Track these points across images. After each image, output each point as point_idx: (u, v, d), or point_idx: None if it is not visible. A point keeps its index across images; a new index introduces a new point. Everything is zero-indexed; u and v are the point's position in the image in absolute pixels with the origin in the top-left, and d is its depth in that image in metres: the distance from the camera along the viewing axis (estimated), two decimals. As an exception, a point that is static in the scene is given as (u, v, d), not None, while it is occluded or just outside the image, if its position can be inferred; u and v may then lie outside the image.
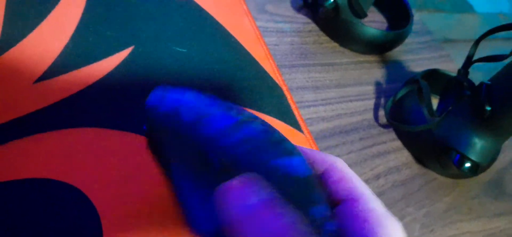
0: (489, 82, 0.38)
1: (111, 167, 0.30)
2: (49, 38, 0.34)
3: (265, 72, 0.41)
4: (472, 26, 0.80)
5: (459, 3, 0.92)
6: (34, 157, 0.28)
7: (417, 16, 0.62)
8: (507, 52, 0.37)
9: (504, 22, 0.35)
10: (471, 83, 0.40)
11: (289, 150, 0.19)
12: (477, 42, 0.40)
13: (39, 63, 0.33)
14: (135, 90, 0.34)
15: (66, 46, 0.34)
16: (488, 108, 0.37)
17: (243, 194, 0.16)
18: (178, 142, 0.21)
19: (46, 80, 0.32)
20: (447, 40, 0.62)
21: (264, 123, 0.21)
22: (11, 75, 0.31)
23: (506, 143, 0.50)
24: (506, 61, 0.38)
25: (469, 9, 0.96)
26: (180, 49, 0.38)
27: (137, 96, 0.34)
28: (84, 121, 0.31)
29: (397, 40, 0.50)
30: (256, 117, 0.21)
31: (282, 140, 0.20)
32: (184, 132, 0.21)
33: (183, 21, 0.41)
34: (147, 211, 0.29)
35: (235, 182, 0.17)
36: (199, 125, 0.20)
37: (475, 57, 0.40)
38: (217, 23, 0.42)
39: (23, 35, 0.34)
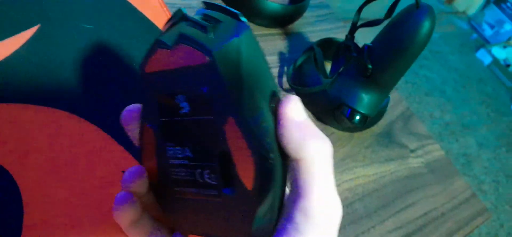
0: (370, 44, 0.43)
1: (28, 139, 0.31)
2: None
3: (174, 46, 0.43)
4: (381, 6, 0.87)
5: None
6: None
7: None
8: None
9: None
10: (356, 46, 0.45)
11: None
12: (359, 10, 0.46)
13: None
14: (44, 66, 0.35)
15: (-33, 27, 0.34)
16: (370, 66, 0.42)
17: None
18: None
19: None
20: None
21: None
22: None
23: (396, 99, 0.57)
24: (383, 25, 0.43)
25: None
26: (88, 26, 0.40)
27: (48, 71, 0.35)
28: (-8, 98, 0.32)
29: (297, 13, 0.54)
30: None
31: None
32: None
33: (89, -1, 0.42)
34: (64, 176, 0.30)
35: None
36: None
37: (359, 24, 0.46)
38: (124, 0, 0.44)
39: None
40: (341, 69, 0.45)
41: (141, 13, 0.44)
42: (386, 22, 0.43)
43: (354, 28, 0.45)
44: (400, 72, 0.42)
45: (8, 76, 0.33)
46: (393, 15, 0.42)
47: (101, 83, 0.37)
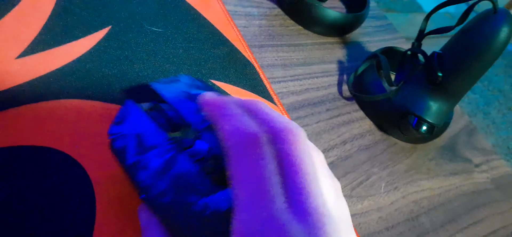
0: (440, 51, 0.42)
1: (97, 133, 0.31)
2: (27, 18, 0.35)
3: (238, 50, 0.43)
4: (420, 24, 0.86)
5: (409, 3, 0.98)
6: (20, 126, 0.29)
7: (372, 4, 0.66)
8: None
9: (450, 21, 0.39)
10: (424, 53, 0.44)
11: (215, 180, 0.23)
12: (427, 17, 0.44)
13: (20, 41, 0.33)
14: (115, 66, 0.36)
15: (45, 26, 0.35)
16: (440, 74, 0.41)
17: None
18: None
19: (28, 56, 0.33)
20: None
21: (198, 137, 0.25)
22: (-7, 51, 0.32)
23: (458, 112, 0.55)
24: (453, 32, 0.42)
25: (418, 9, 1.02)
26: (156, 29, 0.40)
27: (117, 71, 0.36)
28: (68, 93, 0.32)
29: (356, 22, 0.53)
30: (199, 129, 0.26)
31: (211, 171, 0.23)
32: (126, 172, 0.24)
33: (156, 3, 0.43)
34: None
35: None
36: (134, 170, 0.23)
37: (427, 31, 0.45)
38: (189, 5, 0.44)
39: (1, 15, 0.34)
40: (407, 77, 0.44)
41: (205, 19, 0.44)
42: (456, 30, 0.41)
43: (421, 35, 0.44)
44: (473, 80, 0.40)
45: (80, 74, 0.34)
46: (466, 22, 0.40)
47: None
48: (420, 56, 0.46)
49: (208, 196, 0.22)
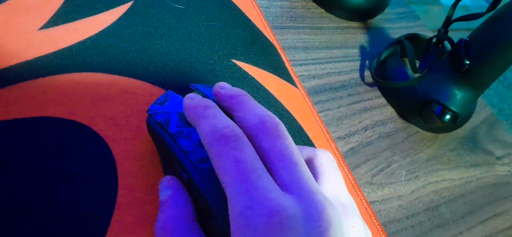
0: (467, 38, 0.41)
1: (119, 107, 0.30)
2: (51, -11, 0.35)
3: (260, 31, 0.42)
4: (438, 17, 0.84)
5: (427, -5, 0.97)
6: (42, 97, 0.29)
7: None
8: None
9: (467, 13, 0.38)
10: (451, 40, 0.43)
11: None
12: (455, 4, 0.43)
13: (43, 12, 0.33)
14: (137, 42, 0.35)
15: (68, -2, 0.35)
16: (467, 62, 0.40)
17: None
18: (164, 147, 0.25)
19: (51, 27, 0.32)
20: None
21: None
22: (15, 21, 0.32)
23: (480, 103, 0.53)
24: (482, 19, 0.41)
25: (435, 1, 1.00)
26: (178, 6, 0.40)
27: (139, 47, 0.35)
28: (90, 67, 0.32)
29: (378, 8, 0.52)
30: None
31: None
32: (165, 141, 0.25)
33: (180, -22, 0.42)
34: (154, 150, 0.30)
35: None
36: (178, 137, 0.24)
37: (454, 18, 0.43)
38: (211, -18, 0.43)
39: (25, -16, 0.34)
40: (431, 64, 0.43)
41: (228, -4, 0.43)
42: (484, 17, 0.40)
43: (448, 22, 0.43)
44: (501, 69, 0.39)
45: (102, 48, 0.34)
46: (497, 8, 0.39)
47: (187, 63, 0.37)
48: (446, 44, 0.45)
49: None
